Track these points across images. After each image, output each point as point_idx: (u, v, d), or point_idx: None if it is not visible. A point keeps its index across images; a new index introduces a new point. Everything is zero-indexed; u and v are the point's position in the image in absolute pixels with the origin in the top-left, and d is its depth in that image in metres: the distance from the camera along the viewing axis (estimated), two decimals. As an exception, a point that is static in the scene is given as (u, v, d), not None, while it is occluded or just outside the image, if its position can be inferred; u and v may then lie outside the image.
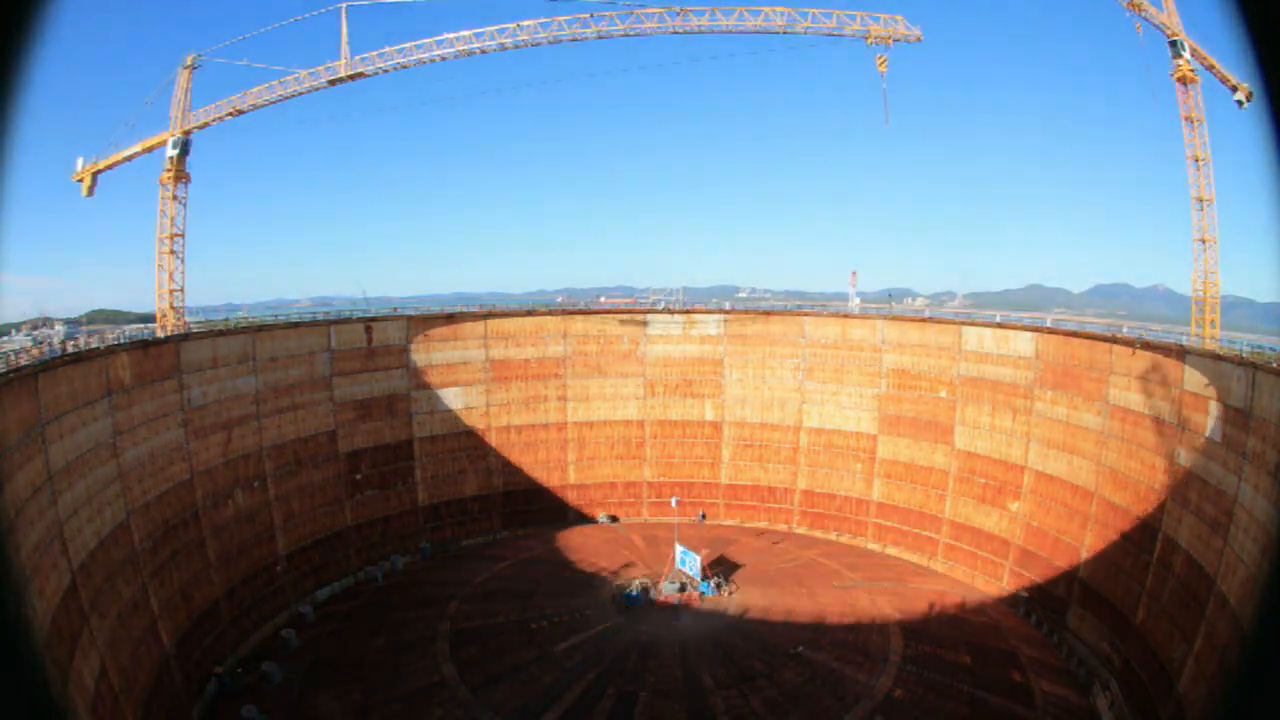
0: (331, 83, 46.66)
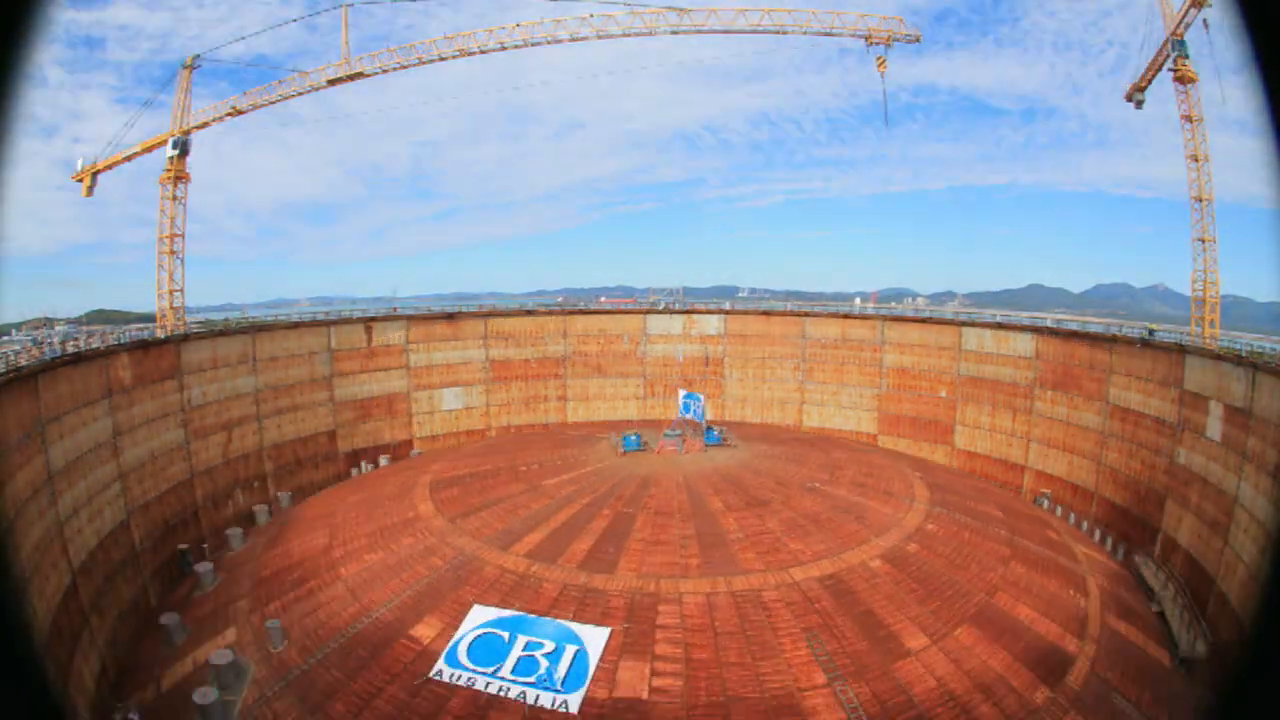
0: (331, 82, 46.71)
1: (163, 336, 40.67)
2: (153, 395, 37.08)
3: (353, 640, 24.33)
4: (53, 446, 27.42)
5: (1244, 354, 32.22)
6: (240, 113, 47.70)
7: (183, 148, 47.25)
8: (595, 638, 23.04)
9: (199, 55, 47.49)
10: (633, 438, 39.87)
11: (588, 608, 24.59)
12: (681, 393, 42.45)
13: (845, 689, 21.00)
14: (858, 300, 66.24)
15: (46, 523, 25.66)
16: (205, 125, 48.05)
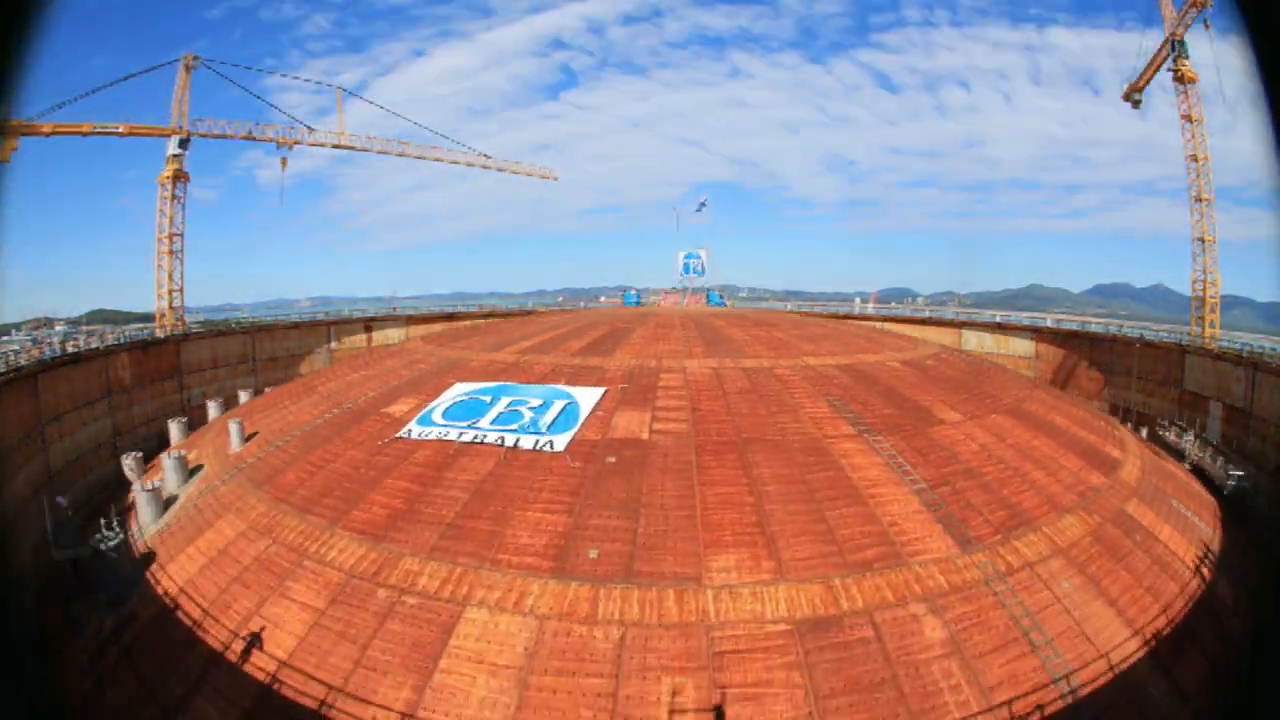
0: (331, 145, 54.23)
1: (162, 336, 40.65)
2: (152, 395, 37.06)
3: (317, 427, 22.84)
4: (53, 446, 27.40)
5: (1244, 354, 32.19)
6: (254, 139, 50.39)
7: (182, 147, 47.19)
8: (588, 395, 20.93)
9: (198, 57, 47.44)
10: (633, 294, 39.14)
11: (582, 376, 22.85)
12: (682, 252, 40.64)
13: (879, 439, 19.13)
14: (857, 300, 66.02)
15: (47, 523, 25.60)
16: (225, 137, 49.15)
